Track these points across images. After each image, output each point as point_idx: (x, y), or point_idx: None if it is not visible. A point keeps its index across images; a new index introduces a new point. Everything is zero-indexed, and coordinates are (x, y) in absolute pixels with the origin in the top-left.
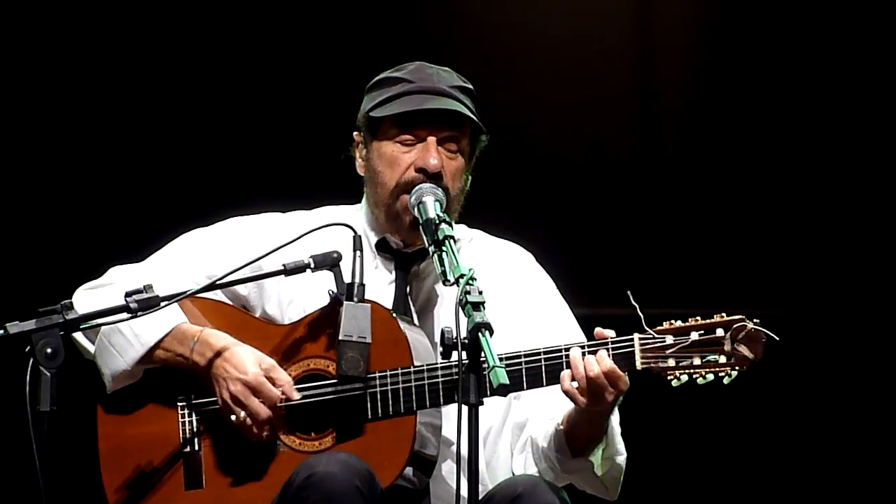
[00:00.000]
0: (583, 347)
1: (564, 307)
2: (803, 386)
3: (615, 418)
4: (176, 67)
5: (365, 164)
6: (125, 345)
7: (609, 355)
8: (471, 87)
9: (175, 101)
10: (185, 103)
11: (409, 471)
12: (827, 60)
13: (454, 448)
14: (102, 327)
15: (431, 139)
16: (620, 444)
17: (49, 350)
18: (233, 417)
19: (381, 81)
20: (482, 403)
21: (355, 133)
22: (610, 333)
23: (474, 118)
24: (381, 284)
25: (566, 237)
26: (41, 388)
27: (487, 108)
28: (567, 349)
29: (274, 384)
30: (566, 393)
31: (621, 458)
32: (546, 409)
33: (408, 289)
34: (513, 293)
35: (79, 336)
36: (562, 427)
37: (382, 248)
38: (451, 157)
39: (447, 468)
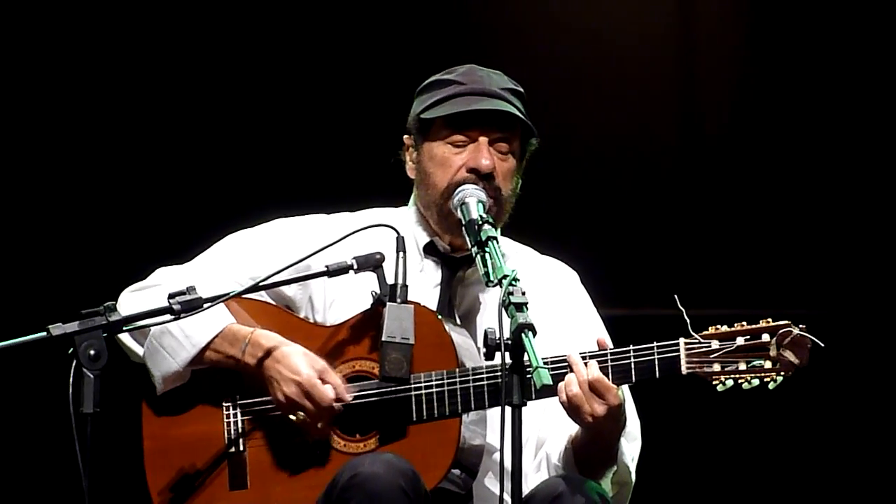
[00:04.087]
0: (591, 356)
1: (601, 327)
2: (843, 386)
3: (628, 444)
4: (226, 70)
5: (416, 166)
6: (176, 346)
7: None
8: (521, 90)
9: (225, 103)
10: (235, 105)
11: (454, 472)
12: (873, 52)
13: (496, 455)
14: (152, 329)
15: (483, 140)
16: (629, 472)
17: (92, 352)
18: (292, 417)
19: (432, 84)
20: (525, 404)
21: (405, 136)
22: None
23: (525, 119)
24: (426, 288)
25: (606, 236)
26: (84, 390)
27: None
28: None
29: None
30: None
31: (628, 484)
32: (563, 428)
33: (452, 293)
34: (552, 310)
35: (126, 339)
36: (570, 446)
37: (430, 251)
38: (502, 158)
39: (490, 470)
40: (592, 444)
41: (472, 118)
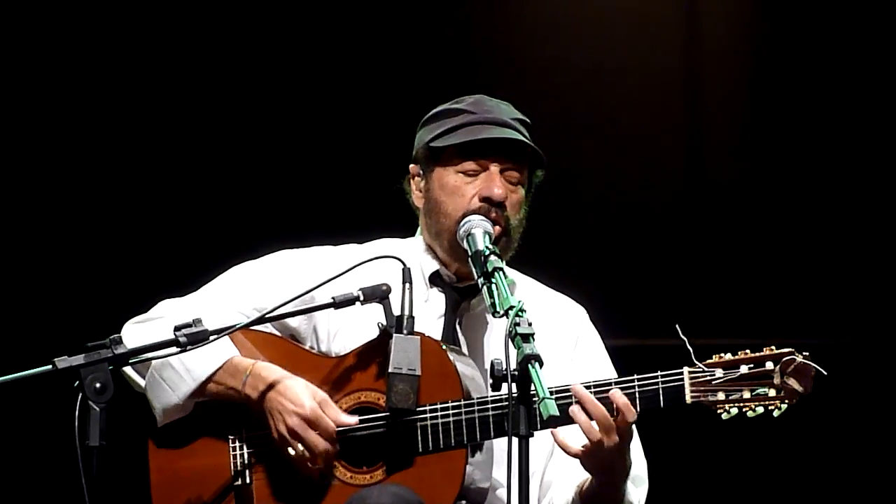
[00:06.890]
0: (595, 385)
1: (609, 366)
2: (847, 414)
3: (635, 489)
4: (228, 103)
5: (424, 195)
6: (177, 379)
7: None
8: (528, 121)
9: (229, 136)
10: (240, 137)
11: (461, 503)
12: (881, 93)
13: (500, 490)
14: (153, 362)
15: (495, 168)
16: None
17: (98, 385)
18: (290, 451)
19: (440, 113)
20: (532, 435)
21: (412, 165)
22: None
23: (537, 149)
24: (431, 318)
25: (612, 268)
26: (90, 423)
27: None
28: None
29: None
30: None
31: None
32: (570, 474)
33: (457, 323)
34: (559, 345)
35: (129, 370)
36: (577, 495)
37: (435, 280)
38: (512, 188)
39: (497, 502)
40: (601, 488)
41: (483, 147)
